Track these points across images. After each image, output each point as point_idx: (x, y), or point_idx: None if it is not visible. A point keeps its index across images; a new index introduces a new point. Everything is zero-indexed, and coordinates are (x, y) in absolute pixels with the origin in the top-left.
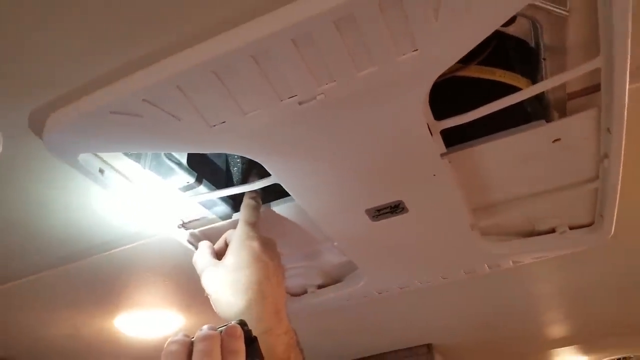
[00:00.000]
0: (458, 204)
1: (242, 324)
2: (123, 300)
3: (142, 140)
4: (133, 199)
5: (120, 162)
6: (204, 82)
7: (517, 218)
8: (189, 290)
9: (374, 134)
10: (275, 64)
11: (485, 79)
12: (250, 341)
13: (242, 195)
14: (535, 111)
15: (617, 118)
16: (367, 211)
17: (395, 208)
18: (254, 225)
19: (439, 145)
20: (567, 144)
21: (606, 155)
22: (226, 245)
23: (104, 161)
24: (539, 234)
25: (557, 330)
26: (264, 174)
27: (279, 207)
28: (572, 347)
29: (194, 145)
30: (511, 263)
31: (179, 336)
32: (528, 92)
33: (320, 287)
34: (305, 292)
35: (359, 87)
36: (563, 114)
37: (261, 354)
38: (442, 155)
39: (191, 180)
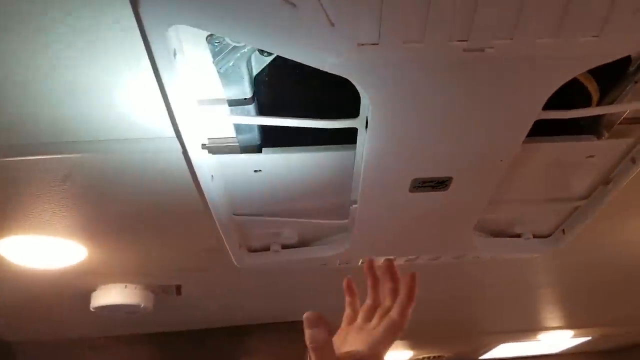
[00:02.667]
0: (489, 193)
1: None
2: (13, 221)
3: (272, 31)
4: (177, 94)
5: (196, 50)
6: None
7: (503, 218)
8: (96, 219)
9: (497, 103)
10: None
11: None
12: None
13: (274, 128)
14: (586, 123)
15: None
16: (413, 180)
17: (440, 184)
18: None
19: (526, 131)
20: (594, 162)
21: (611, 181)
22: None
23: (180, 44)
24: (507, 236)
25: None
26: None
27: (299, 155)
28: (401, 341)
29: (322, 60)
30: (471, 257)
31: None
32: (617, 107)
33: (284, 247)
34: (267, 249)
35: (527, 53)
36: (609, 134)
37: None
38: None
39: (248, 95)
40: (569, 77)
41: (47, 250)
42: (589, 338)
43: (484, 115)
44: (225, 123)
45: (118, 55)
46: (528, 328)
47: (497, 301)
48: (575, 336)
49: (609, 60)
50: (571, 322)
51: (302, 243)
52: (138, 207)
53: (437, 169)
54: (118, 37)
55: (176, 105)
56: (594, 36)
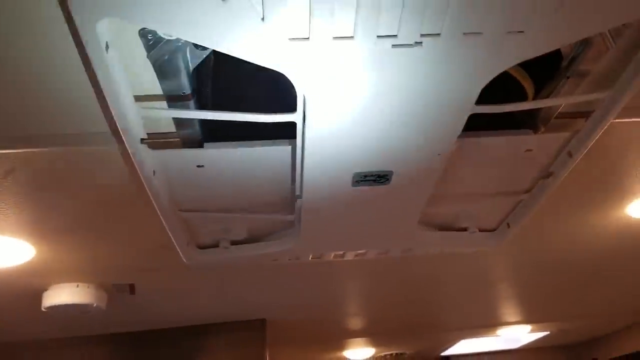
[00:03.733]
0: (430, 187)
1: None
2: None
3: (203, 24)
4: (112, 89)
5: (130, 44)
6: None
7: (449, 212)
8: (42, 216)
9: (429, 97)
10: None
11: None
12: None
13: (216, 123)
14: (523, 118)
15: (585, 146)
16: (355, 175)
17: (381, 178)
18: None
19: (462, 126)
20: (532, 156)
21: (551, 174)
22: None
23: (113, 37)
24: (453, 230)
25: (355, 323)
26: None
27: (241, 150)
28: (364, 339)
29: (254, 53)
30: (420, 252)
31: None
32: (552, 101)
33: (234, 243)
34: (217, 245)
35: (455, 48)
36: (545, 128)
37: None
38: (458, 137)
39: (186, 89)
40: (499, 72)
41: None
42: (547, 333)
43: (417, 110)
44: (165, 118)
45: (64, 49)
46: (487, 324)
47: (456, 298)
48: (533, 331)
49: (536, 55)
50: (528, 317)
51: (252, 239)
52: (87, 203)
53: (377, 163)
54: (63, 32)
55: (111, 101)
56: (519, 31)
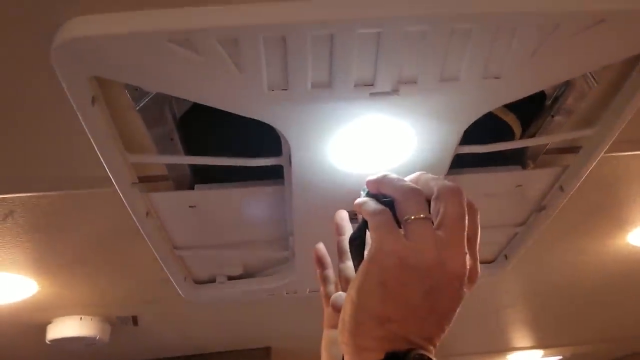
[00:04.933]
0: None
1: None
2: None
3: (183, 80)
4: (100, 138)
5: (115, 95)
6: (298, 44)
7: None
8: (44, 253)
9: (407, 141)
10: (377, 49)
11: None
12: None
13: (201, 167)
14: (512, 154)
15: (576, 180)
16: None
17: None
18: None
19: (447, 166)
20: (523, 191)
21: (544, 208)
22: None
23: (100, 90)
24: None
25: None
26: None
27: (231, 190)
28: None
29: (235, 104)
30: None
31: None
32: (537, 140)
33: (230, 278)
34: (214, 280)
35: (432, 95)
36: (534, 164)
37: None
38: (445, 175)
39: (174, 135)
40: (478, 115)
41: None
42: (560, 357)
43: (400, 153)
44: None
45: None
46: (497, 349)
47: (464, 322)
48: (545, 356)
49: (516, 99)
50: (539, 342)
51: (248, 274)
52: (88, 240)
53: None
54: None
55: (100, 150)
56: (495, 77)
